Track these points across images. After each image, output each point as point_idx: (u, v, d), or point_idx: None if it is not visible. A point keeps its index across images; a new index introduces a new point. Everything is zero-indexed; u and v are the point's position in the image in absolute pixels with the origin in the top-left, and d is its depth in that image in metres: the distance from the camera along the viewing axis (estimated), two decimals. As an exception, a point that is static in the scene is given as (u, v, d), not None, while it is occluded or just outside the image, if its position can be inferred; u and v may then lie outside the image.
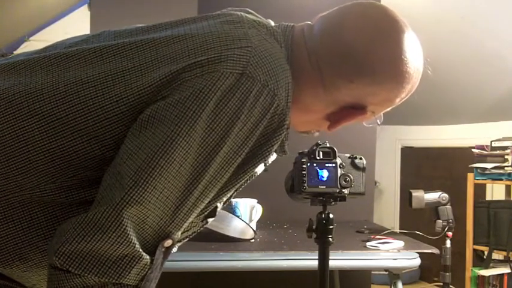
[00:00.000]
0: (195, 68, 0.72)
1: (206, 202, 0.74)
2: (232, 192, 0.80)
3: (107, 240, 0.66)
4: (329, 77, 0.81)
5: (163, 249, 0.71)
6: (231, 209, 2.21)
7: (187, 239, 0.85)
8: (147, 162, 0.68)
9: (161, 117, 0.69)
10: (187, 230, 0.81)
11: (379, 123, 0.93)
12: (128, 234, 0.67)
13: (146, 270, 0.69)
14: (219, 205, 0.83)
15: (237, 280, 2.43)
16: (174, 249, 0.76)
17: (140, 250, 0.68)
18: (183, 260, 1.79)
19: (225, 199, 0.81)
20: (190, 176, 0.70)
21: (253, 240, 2.09)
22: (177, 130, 0.68)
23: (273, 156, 0.84)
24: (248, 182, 0.80)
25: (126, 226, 0.67)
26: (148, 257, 0.69)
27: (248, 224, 2.16)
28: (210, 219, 0.85)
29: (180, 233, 0.74)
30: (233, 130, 0.70)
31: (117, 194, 0.67)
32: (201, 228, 0.86)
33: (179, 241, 0.79)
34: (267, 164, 0.83)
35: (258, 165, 0.77)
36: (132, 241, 0.67)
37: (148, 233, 0.69)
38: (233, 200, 2.24)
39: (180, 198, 0.70)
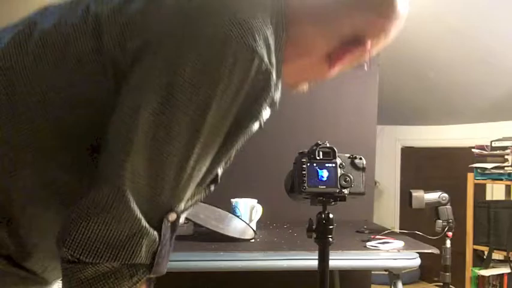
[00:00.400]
0: (169, 34, 0.70)
1: (204, 169, 0.73)
2: (232, 154, 0.79)
3: (112, 219, 0.66)
4: (330, 9, 0.82)
5: (169, 224, 0.70)
6: (231, 209, 2.21)
7: (192, 207, 0.84)
8: (134, 136, 0.67)
9: (142, 88, 0.68)
10: (191, 199, 0.80)
11: (366, 68, 0.92)
12: (132, 210, 0.66)
13: (156, 246, 0.69)
14: (220, 171, 0.83)
15: (237, 280, 2.43)
16: (182, 220, 0.76)
17: (147, 225, 0.68)
18: (183, 260, 1.79)
19: (225, 163, 0.80)
20: (182, 145, 0.69)
21: (253, 240, 2.09)
22: (160, 100, 0.67)
23: (267, 113, 0.82)
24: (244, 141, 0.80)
25: (129, 202, 0.66)
26: (155, 232, 0.69)
27: (248, 224, 2.16)
28: (213, 187, 0.85)
29: (183, 204, 0.73)
30: (216, 94, 0.69)
31: (113, 172, 0.67)
32: (206, 194, 0.85)
33: (185, 210, 0.78)
34: (262, 122, 0.81)
35: (252, 125, 0.76)
36: (138, 217, 0.67)
37: (151, 208, 0.69)
38: (233, 200, 2.24)
39: (176, 168, 0.69)
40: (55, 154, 0.73)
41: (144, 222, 0.67)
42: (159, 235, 0.69)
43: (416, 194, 2.19)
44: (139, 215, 0.67)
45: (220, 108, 0.70)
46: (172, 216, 0.71)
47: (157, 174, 0.68)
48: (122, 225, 0.66)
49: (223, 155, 0.76)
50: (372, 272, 3.00)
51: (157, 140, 0.67)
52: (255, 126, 0.79)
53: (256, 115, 0.75)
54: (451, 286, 2.29)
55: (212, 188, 0.86)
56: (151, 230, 0.68)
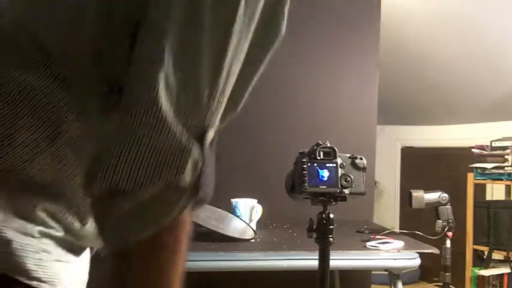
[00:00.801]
0: None
1: (235, 78, 0.67)
2: (260, 68, 0.73)
3: (150, 138, 0.59)
4: None
5: (208, 143, 0.63)
6: (231, 209, 2.21)
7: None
8: (164, 42, 0.60)
9: None
10: (223, 120, 0.71)
11: None
12: (170, 126, 0.59)
13: (200, 166, 0.62)
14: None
15: (237, 280, 2.42)
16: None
17: (187, 142, 0.60)
18: (183, 260, 1.79)
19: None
20: (216, 47, 0.62)
21: (253, 240, 2.09)
22: None
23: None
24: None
25: (165, 117, 0.59)
26: (197, 150, 0.61)
27: (248, 224, 2.16)
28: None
29: (218, 122, 0.66)
30: None
31: (144, 86, 0.60)
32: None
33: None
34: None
35: (278, 25, 0.71)
36: (177, 133, 0.60)
37: (189, 124, 0.61)
38: (233, 200, 2.24)
39: (211, 76, 0.63)
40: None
41: (184, 139, 0.60)
42: (201, 154, 0.62)
43: (416, 194, 2.19)
44: (178, 132, 0.60)
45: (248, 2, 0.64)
46: (210, 134, 0.64)
47: (193, 83, 0.62)
48: (161, 143, 0.59)
49: (257, 63, 0.71)
50: (372, 272, 3.00)
51: (189, 44, 0.61)
52: (281, 30, 0.72)
53: (281, 13, 0.70)
54: (451, 286, 2.29)
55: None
56: (192, 147, 0.61)
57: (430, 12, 3.78)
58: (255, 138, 2.72)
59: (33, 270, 0.64)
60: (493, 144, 3.69)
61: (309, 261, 1.76)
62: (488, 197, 4.31)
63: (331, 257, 1.35)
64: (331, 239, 1.34)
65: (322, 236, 1.34)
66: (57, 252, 0.68)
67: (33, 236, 0.65)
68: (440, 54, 4.07)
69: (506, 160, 3.60)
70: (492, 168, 3.62)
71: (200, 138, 0.62)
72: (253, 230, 2.14)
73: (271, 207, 2.33)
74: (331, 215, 1.34)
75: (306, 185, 1.31)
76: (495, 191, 4.27)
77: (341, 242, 1.88)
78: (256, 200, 2.27)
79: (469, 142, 4.11)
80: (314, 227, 1.34)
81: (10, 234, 0.63)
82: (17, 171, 0.65)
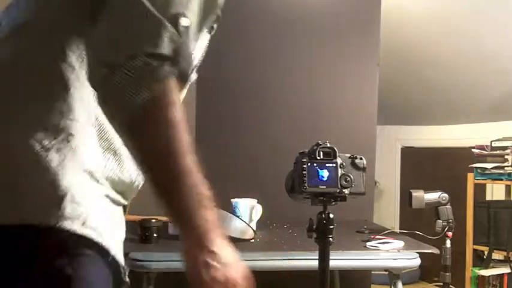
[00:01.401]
0: None
1: None
2: None
3: (127, 14, 0.71)
4: None
5: (184, 28, 0.74)
6: (231, 209, 2.21)
7: (197, 67, 0.91)
8: None
9: None
10: (197, 38, 0.83)
11: None
12: (143, 4, 0.70)
13: (177, 41, 0.72)
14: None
15: (237, 280, 2.42)
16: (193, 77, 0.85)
17: (162, 18, 0.71)
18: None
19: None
20: None
21: (253, 240, 2.09)
22: None
23: None
24: None
25: None
26: (171, 27, 0.72)
27: (248, 224, 2.16)
28: (215, 26, 0.91)
29: (192, 15, 0.76)
30: None
31: None
32: (210, 34, 0.90)
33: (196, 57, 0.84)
34: None
35: None
36: (151, 9, 0.71)
37: (160, 5, 0.72)
38: (233, 200, 2.24)
39: None
40: None
41: (158, 15, 0.71)
42: (177, 32, 0.73)
43: (416, 194, 2.19)
44: (151, 10, 0.71)
45: None
46: (185, 21, 0.74)
47: None
48: (137, 18, 0.71)
49: None
50: (372, 272, 3.00)
51: None
52: None
53: None
54: (451, 286, 2.29)
55: (215, 26, 0.90)
56: (166, 23, 0.71)
57: (430, 12, 3.78)
58: (255, 138, 2.71)
59: (95, 227, 0.78)
60: (493, 144, 3.68)
61: (309, 261, 1.76)
62: (488, 197, 4.30)
63: (331, 257, 1.35)
64: (331, 239, 1.34)
65: (322, 236, 1.34)
66: (105, 212, 0.82)
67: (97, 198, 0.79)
68: (440, 54, 4.07)
69: (506, 160, 3.59)
70: (492, 168, 3.62)
71: (174, 20, 0.73)
72: (253, 230, 2.14)
73: (271, 207, 2.33)
74: (331, 215, 1.34)
75: (305, 185, 1.31)
76: (495, 191, 4.27)
77: (341, 242, 1.88)
78: (256, 200, 2.26)
79: (469, 142, 4.11)
80: (314, 227, 1.34)
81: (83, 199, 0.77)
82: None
